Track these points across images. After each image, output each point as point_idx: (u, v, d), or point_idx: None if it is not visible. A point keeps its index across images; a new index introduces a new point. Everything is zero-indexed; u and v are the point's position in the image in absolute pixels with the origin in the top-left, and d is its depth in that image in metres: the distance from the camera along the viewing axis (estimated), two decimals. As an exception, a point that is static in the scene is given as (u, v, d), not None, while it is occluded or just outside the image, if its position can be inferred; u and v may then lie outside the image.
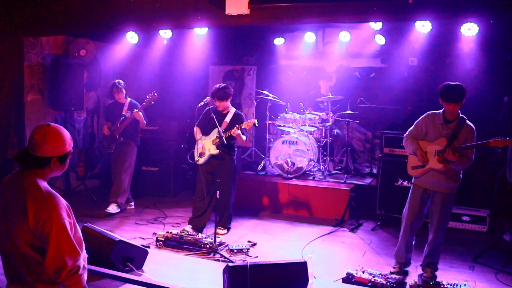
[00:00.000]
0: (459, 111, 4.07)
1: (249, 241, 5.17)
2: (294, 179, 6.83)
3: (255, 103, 7.84)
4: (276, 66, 8.58)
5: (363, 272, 4.06)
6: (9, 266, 2.37)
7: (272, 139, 7.30)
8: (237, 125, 5.25)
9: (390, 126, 6.80)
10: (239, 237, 5.43)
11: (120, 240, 4.05)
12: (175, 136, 7.42)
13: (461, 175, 4.16)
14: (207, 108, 5.53)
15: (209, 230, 5.48)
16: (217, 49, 8.29)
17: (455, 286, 3.87)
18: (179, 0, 5.12)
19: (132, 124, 6.25)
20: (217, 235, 4.90)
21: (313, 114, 7.25)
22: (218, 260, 4.58)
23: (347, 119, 7.15)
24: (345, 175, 6.92)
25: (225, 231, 5.53)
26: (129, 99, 6.37)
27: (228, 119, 5.46)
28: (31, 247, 2.28)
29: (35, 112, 6.68)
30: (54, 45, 6.98)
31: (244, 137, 5.40)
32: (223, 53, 8.71)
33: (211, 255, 4.72)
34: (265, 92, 7.28)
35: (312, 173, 7.02)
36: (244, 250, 4.84)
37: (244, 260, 4.54)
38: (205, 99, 5.44)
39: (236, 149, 5.63)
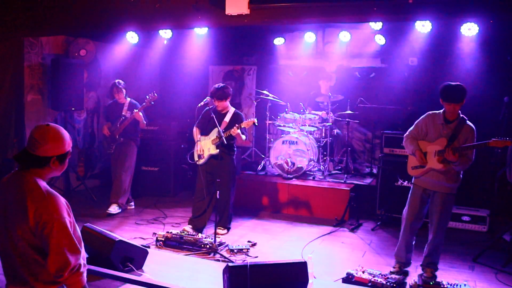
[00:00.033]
0: (460, 111, 4.07)
1: (249, 241, 5.17)
2: (294, 179, 6.83)
3: (255, 103, 7.84)
4: (276, 66, 8.58)
5: (363, 272, 4.06)
6: (9, 266, 2.37)
7: (272, 139, 7.30)
8: (236, 125, 5.25)
9: (390, 126, 6.79)
10: (239, 237, 5.43)
11: (120, 240, 4.05)
12: (175, 136, 7.42)
13: (461, 175, 4.16)
14: (206, 108, 5.53)
15: (209, 230, 5.49)
16: (217, 49, 8.28)
17: (455, 286, 3.87)
18: (179, 0, 5.12)
19: (132, 124, 6.25)
20: (217, 235, 4.90)
21: (313, 114, 7.26)
22: (218, 260, 4.58)
23: (347, 119, 7.16)
24: (345, 175, 6.92)
25: (225, 231, 5.53)
26: (129, 99, 6.37)
27: (227, 118, 5.46)
28: (31, 247, 2.28)
29: (35, 112, 6.68)
30: (54, 45, 6.98)
31: (243, 137, 5.40)
32: (223, 53, 8.71)
33: (211, 255, 4.72)
34: (265, 92, 7.28)
35: (312, 173, 7.02)
36: (244, 250, 4.84)
37: (244, 260, 4.54)
38: (205, 99, 5.44)
39: (235, 149, 5.63)
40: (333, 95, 7.29)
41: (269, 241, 5.34)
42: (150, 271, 4.15)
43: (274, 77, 8.46)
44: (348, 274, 4.07)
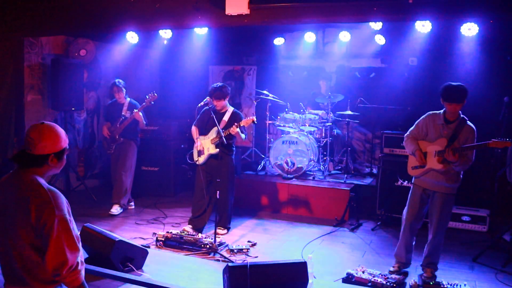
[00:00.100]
0: (460, 111, 4.07)
1: (249, 241, 5.17)
2: (294, 179, 6.83)
3: (255, 103, 7.84)
4: (276, 66, 8.58)
5: (363, 272, 4.06)
6: (7, 266, 2.37)
7: (272, 139, 7.30)
8: (235, 123, 5.25)
9: (390, 126, 6.80)
10: (239, 237, 5.43)
11: (120, 240, 4.05)
12: (175, 136, 7.42)
13: (461, 175, 4.16)
14: (206, 107, 5.53)
15: (209, 230, 5.49)
16: (217, 49, 8.28)
17: (455, 286, 3.87)
18: (179, 0, 5.12)
19: (132, 124, 6.25)
20: (217, 235, 4.90)
21: (312, 114, 7.26)
22: (218, 260, 4.58)
23: (347, 119, 7.16)
24: (345, 175, 6.92)
25: (225, 231, 5.53)
26: (128, 99, 6.37)
27: (226, 118, 5.46)
28: (31, 247, 2.28)
29: (35, 112, 6.68)
30: (54, 45, 6.99)
31: (243, 136, 5.40)
32: (223, 53, 8.72)
33: (211, 255, 4.72)
34: (265, 92, 7.28)
35: (312, 173, 7.02)
36: (244, 250, 4.84)
37: (244, 260, 4.54)
38: (205, 99, 5.44)
39: (234, 148, 5.62)
40: (333, 95, 7.29)
41: (269, 241, 5.34)
42: (150, 271, 4.15)
43: (274, 77, 8.46)
44: (348, 274, 4.07)
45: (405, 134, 4.33)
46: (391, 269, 4.35)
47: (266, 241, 5.31)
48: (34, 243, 2.28)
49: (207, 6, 4.94)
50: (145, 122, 6.29)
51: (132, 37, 7.00)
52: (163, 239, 4.95)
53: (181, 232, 5.07)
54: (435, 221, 4.15)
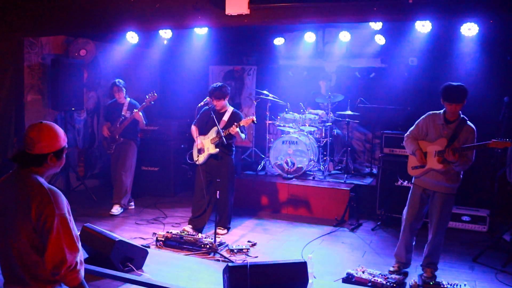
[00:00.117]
0: (460, 111, 4.07)
1: (249, 241, 5.17)
2: (294, 179, 6.83)
3: (255, 103, 7.84)
4: (276, 66, 8.58)
5: (363, 272, 4.06)
6: (7, 266, 2.37)
7: (272, 139, 7.30)
8: (235, 123, 5.25)
9: (390, 126, 6.80)
10: (239, 237, 5.43)
11: (120, 240, 4.05)
12: (175, 136, 7.42)
13: (461, 175, 4.16)
14: (205, 107, 5.53)
15: (209, 230, 5.49)
16: (217, 49, 8.28)
17: (455, 286, 3.87)
18: (179, 0, 5.12)
19: (132, 124, 6.25)
20: (217, 235, 4.90)
21: (312, 114, 7.26)
22: (218, 260, 4.58)
23: (347, 119, 7.15)
24: (345, 175, 6.92)
25: (225, 231, 5.53)
26: (128, 99, 6.37)
27: (226, 117, 5.46)
28: (31, 246, 2.29)
29: (35, 112, 6.68)
30: (54, 45, 6.98)
31: (243, 135, 5.41)
32: (223, 53, 8.71)
33: (211, 255, 4.72)
34: (265, 92, 7.28)
35: (312, 173, 7.02)
36: (244, 250, 4.84)
37: (244, 260, 4.54)
38: (205, 99, 5.44)
39: (234, 148, 5.62)
40: (333, 95, 7.29)
41: (269, 241, 5.34)
42: (150, 271, 4.15)
43: (274, 77, 8.46)
44: (348, 274, 4.07)
45: (405, 134, 4.33)
46: (391, 269, 4.36)
47: (266, 241, 5.31)
48: (34, 242, 2.29)
49: (207, 6, 4.94)
50: (145, 122, 6.29)
51: (132, 37, 7.00)
52: (163, 239, 4.96)
53: (181, 232, 5.07)
54: (435, 221, 4.15)
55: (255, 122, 5.29)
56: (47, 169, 2.41)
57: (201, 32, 6.49)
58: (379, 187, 6.21)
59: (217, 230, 5.01)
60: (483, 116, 5.50)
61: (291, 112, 7.26)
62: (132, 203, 6.59)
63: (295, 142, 6.85)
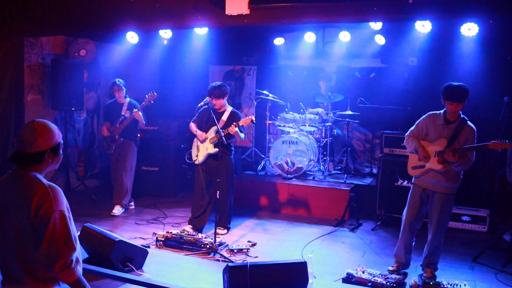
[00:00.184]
0: (460, 112, 4.07)
1: (249, 241, 5.17)
2: (294, 179, 6.83)
3: (255, 103, 7.85)
4: (276, 66, 8.58)
5: (363, 272, 4.06)
6: (6, 264, 2.37)
7: (272, 139, 7.30)
8: (234, 123, 5.25)
9: (390, 126, 6.80)
10: (239, 237, 5.43)
11: (120, 240, 4.04)
12: (175, 136, 7.42)
13: (461, 176, 4.16)
14: (205, 106, 5.50)
15: (209, 230, 5.49)
16: (217, 49, 8.28)
17: (455, 286, 3.87)
18: (179, 0, 5.12)
19: (131, 124, 6.25)
20: (217, 235, 4.90)
21: (312, 114, 7.26)
22: (218, 260, 4.58)
23: (347, 119, 7.16)
24: (345, 175, 6.92)
25: (225, 231, 5.53)
26: (128, 99, 6.37)
27: (225, 117, 5.46)
28: (31, 246, 2.29)
29: (35, 112, 6.68)
30: (54, 45, 6.98)
31: (242, 135, 5.40)
32: (223, 53, 8.71)
33: (211, 255, 4.73)
34: (265, 92, 7.28)
35: (312, 173, 7.02)
36: (244, 250, 4.84)
37: (244, 260, 4.54)
38: (205, 99, 5.43)
39: (233, 148, 5.62)
40: (333, 95, 7.29)
41: (269, 241, 5.34)
42: (150, 271, 4.15)
43: (274, 77, 8.46)
44: (348, 274, 4.07)
45: (406, 134, 4.33)
46: (390, 268, 4.36)
47: (266, 241, 5.31)
48: (33, 242, 2.29)
49: (207, 6, 4.93)
50: (144, 122, 6.29)
51: (132, 37, 7.00)
52: (163, 239, 4.96)
53: (181, 232, 5.07)
54: (435, 221, 4.15)
55: (254, 122, 5.29)
56: (45, 166, 2.42)
57: (201, 32, 6.49)
58: (379, 187, 6.21)
59: (217, 230, 5.01)
60: (483, 116, 5.51)
61: (291, 112, 7.26)
62: (132, 203, 6.58)
63: (295, 142, 6.85)
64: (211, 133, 5.41)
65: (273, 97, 7.29)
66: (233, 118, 5.42)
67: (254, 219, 6.24)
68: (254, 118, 5.26)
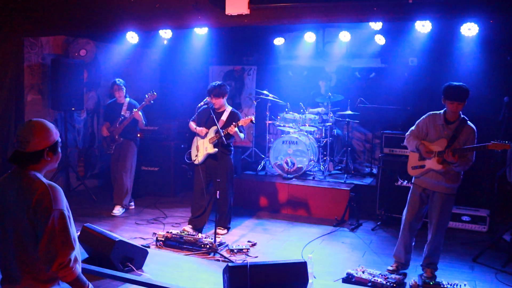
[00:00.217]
0: (460, 112, 4.07)
1: (249, 241, 5.17)
2: (294, 179, 6.83)
3: (255, 103, 7.85)
4: (276, 66, 8.58)
5: (363, 272, 4.06)
6: (6, 264, 2.37)
7: (272, 139, 7.30)
8: (234, 123, 5.25)
9: (390, 126, 6.80)
10: (239, 237, 5.43)
11: (120, 240, 4.04)
12: (175, 136, 7.43)
13: (461, 176, 4.16)
14: (205, 106, 5.50)
15: (209, 230, 5.49)
16: (217, 49, 8.29)
17: (455, 286, 3.87)
18: (179, 0, 5.12)
19: (131, 124, 6.25)
20: (217, 235, 4.90)
21: (312, 114, 7.26)
22: (218, 260, 4.58)
23: (347, 119, 7.16)
24: (345, 175, 6.92)
25: (225, 231, 5.53)
26: (128, 99, 6.37)
27: (224, 117, 5.46)
28: (30, 246, 2.29)
29: (35, 112, 6.68)
30: (54, 45, 6.99)
31: (242, 135, 5.40)
32: (223, 53, 8.72)
33: (211, 255, 4.73)
34: (265, 92, 7.28)
35: (312, 173, 7.02)
36: (244, 250, 4.84)
37: (244, 260, 4.54)
38: (206, 99, 5.44)
39: (232, 148, 5.62)
40: (333, 95, 7.29)
41: (269, 241, 5.34)
42: (150, 271, 4.15)
43: (274, 77, 8.46)
44: (348, 274, 4.07)
45: (406, 134, 4.33)
46: (389, 268, 4.36)
47: (266, 241, 5.31)
48: (33, 242, 2.29)
49: (207, 6, 4.93)
50: (144, 122, 6.29)
51: (132, 37, 7.00)
52: (163, 239, 4.96)
53: (181, 232, 5.07)
54: (435, 221, 4.15)
55: (254, 122, 5.29)
56: (45, 165, 2.42)
57: (201, 32, 6.49)
58: (379, 187, 6.21)
59: (217, 230, 5.01)
60: (483, 116, 5.51)
61: (291, 112, 7.26)
62: (132, 203, 6.58)
63: (295, 142, 6.85)
64: (211, 133, 5.41)
65: (273, 97, 7.29)
66: (233, 118, 5.42)
67: (254, 219, 6.24)
68: (253, 118, 5.26)
